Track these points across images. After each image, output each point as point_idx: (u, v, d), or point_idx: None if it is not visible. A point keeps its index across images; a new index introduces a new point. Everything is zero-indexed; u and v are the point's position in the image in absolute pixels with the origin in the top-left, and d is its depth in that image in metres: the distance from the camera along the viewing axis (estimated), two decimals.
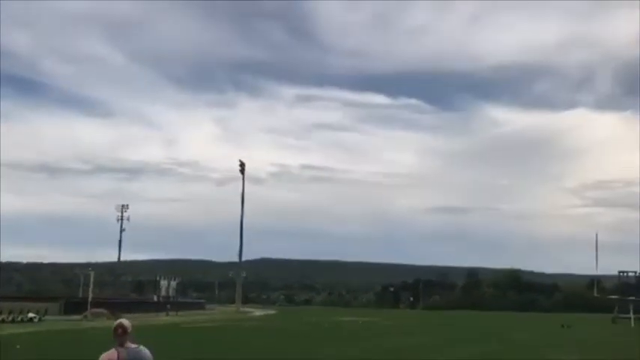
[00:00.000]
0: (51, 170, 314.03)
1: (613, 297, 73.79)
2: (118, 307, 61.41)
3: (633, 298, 64.21)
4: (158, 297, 77.95)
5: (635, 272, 73.68)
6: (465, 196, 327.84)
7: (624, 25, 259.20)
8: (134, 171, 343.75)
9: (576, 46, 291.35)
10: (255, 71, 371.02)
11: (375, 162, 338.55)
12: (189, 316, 69.30)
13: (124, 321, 5.76)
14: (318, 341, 31.06)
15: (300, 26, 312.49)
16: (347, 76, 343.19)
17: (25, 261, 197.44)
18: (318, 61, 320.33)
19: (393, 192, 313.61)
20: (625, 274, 74.40)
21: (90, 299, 61.41)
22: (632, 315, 59.13)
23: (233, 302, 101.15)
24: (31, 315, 48.60)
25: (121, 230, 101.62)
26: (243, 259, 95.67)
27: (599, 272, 72.53)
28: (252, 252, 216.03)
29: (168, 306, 73.28)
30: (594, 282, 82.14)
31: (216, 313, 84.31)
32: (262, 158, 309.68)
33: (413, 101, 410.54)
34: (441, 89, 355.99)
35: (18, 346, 23.51)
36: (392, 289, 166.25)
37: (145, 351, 5.73)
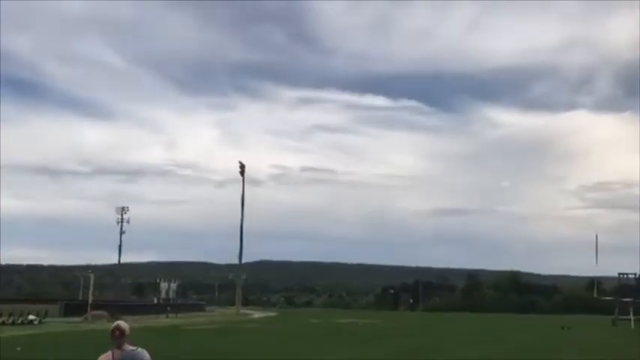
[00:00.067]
0: (51, 172, 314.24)
1: (613, 298, 73.82)
2: (118, 310, 61.41)
3: (633, 299, 64.19)
4: (158, 299, 77.95)
5: (635, 274, 73.79)
6: (465, 197, 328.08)
7: (624, 26, 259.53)
8: (134, 173, 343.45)
9: (576, 48, 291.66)
10: (255, 73, 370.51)
11: (375, 164, 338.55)
12: (189, 318, 69.30)
13: (122, 323, 5.69)
14: (319, 343, 31.09)
15: (301, 28, 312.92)
16: (347, 78, 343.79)
17: (25, 263, 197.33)
18: (318, 63, 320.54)
19: (393, 194, 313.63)
20: (625, 275, 74.49)
21: (90, 301, 61.46)
22: (632, 317, 59.12)
23: (233, 304, 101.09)
24: (31, 317, 48.59)
25: (121, 232, 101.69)
26: (244, 261, 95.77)
27: (599, 274, 72.64)
28: (253, 254, 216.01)
29: (169, 308, 73.28)
30: (594, 283, 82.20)
31: (216, 315, 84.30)
32: (262, 160, 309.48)
33: (413, 103, 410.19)
34: (441, 91, 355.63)
35: (18, 349, 23.55)
36: (392, 291, 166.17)
37: (143, 353, 5.65)
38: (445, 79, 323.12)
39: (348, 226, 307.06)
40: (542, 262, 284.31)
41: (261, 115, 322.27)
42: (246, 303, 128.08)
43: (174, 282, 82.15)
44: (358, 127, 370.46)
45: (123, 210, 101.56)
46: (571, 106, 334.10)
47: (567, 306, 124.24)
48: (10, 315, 47.32)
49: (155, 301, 79.10)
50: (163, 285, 78.25)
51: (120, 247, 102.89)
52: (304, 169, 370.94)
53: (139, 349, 5.66)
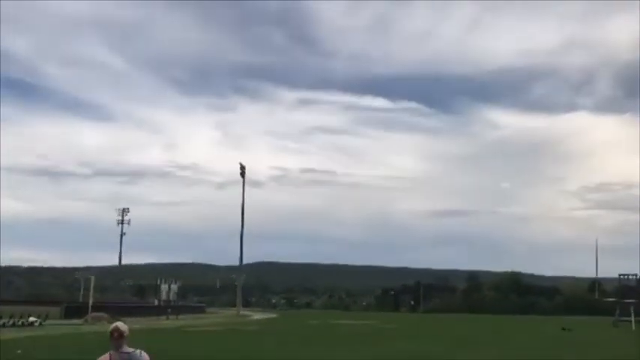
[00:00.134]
0: (51, 174, 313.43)
1: (614, 300, 73.77)
2: (118, 311, 61.43)
3: (634, 300, 64.14)
4: (159, 301, 77.99)
5: (636, 275, 73.78)
6: (465, 199, 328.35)
7: (623, 27, 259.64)
8: (135, 174, 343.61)
9: (576, 49, 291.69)
10: (255, 75, 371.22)
11: (375, 165, 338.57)
12: (189, 319, 69.30)
13: (121, 324, 5.59)
14: (319, 344, 31.07)
15: (301, 30, 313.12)
16: (347, 80, 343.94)
17: (25, 265, 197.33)
18: (318, 64, 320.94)
19: (393, 195, 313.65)
20: (625, 276, 74.46)
21: (91, 303, 61.49)
22: (633, 318, 59.05)
23: (233, 306, 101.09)
24: (32, 319, 48.60)
25: (122, 234, 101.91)
26: (244, 262, 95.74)
27: (600, 275, 72.58)
28: (253, 255, 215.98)
29: (169, 310, 73.27)
30: (595, 285, 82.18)
31: (216, 316, 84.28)
32: (263, 162, 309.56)
33: (413, 104, 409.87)
34: (441, 92, 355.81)
35: (19, 351, 23.53)
36: (392, 292, 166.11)
37: (142, 355, 5.56)
38: (445, 80, 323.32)
39: (349, 227, 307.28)
40: (542, 263, 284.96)
41: (261, 116, 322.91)
42: (246, 304, 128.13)
43: (175, 284, 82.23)
44: (358, 129, 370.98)
45: (123, 211, 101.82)
46: (571, 107, 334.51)
47: (568, 307, 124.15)
48: (10, 317, 47.30)
49: (156, 302, 79.20)
50: (164, 287, 78.33)
51: (120, 248, 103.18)
52: (304, 170, 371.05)
53: (138, 351, 5.58)
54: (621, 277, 74.74)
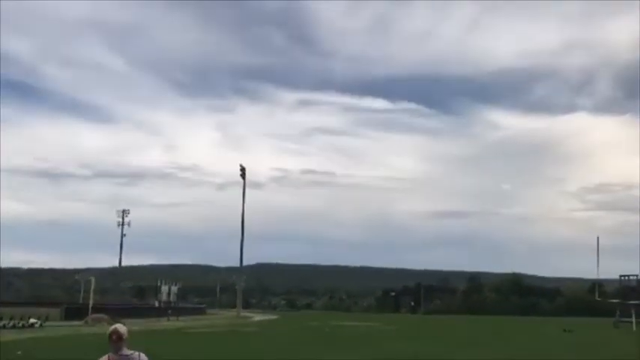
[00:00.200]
0: (51, 175, 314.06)
1: (615, 301, 73.64)
2: (118, 313, 61.35)
3: (635, 302, 63.98)
4: (159, 302, 77.87)
5: (637, 276, 73.56)
6: (465, 200, 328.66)
7: (623, 28, 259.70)
8: (135, 176, 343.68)
9: (576, 50, 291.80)
10: (255, 76, 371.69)
11: (376, 166, 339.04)
12: (189, 321, 69.22)
13: (120, 327, 5.50)
14: (319, 346, 31.01)
15: (300, 31, 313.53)
16: (347, 81, 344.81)
17: (25, 266, 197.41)
18: (318, 65, 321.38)
19: (394, 196, 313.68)
20: (626, 277, 74.27)
21: (91, 305, 61.45)
22: (634, 319, 58.93)
23: (234, 307, 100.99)
24: (32, 321, 48.58)
25: (122, 235, 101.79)
26: (244, 263, 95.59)
27: (601, 276, 72.28)
28: (253, 257, 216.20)
29: (169, 311, 73.19)
30: (596, 286, 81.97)
31: (216, 318, 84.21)
32: (263, 163, 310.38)
33: (413, 105, 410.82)
34: (441, 93, 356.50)
35: (19, 352, 23.47)
36: (393, 293, 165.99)
37: (141, 357, 5.47)
38: (445, 81, 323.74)
39: (349, 228, 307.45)
40: (543, 264, 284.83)
41: (261, 117, 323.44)
42: (246, 306, 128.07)
43: (175, 285, 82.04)
44: (358, 130, 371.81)
45: (123, 213, 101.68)
46: (571, 108, 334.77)
47: (569, 308, 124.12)
48: (11, 318, 47.29)
49: (156, 304, 79.06)
50: (164, 288, 78.17)
51: (121, 250, 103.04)
52: (304, 171, 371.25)
53: (137, 354, 5.49)
54: (622, 278, 74.58)
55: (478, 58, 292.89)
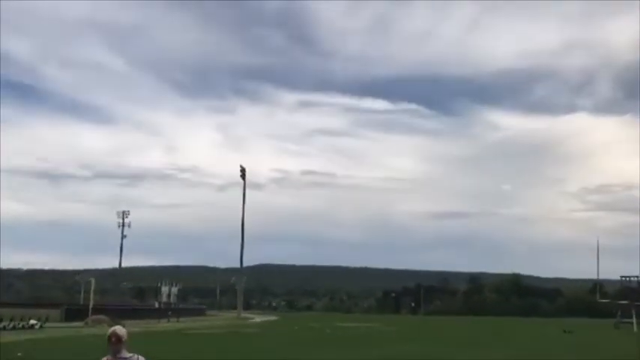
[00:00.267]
0: (51, 176, 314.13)
1: (615, 302, 73.58)
2: (118, 314, 61.28)
3: (636, 302, 63.91)
4: (159, 303, 77.75)
5: (637, 277, 73.46)
6: (465, 200, 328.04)
7: (623, 28, 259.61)
8: (135, 177, 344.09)
9: (576, 50, 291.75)
10: (255, 77, 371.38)
11: (376, 167, 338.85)
12: (189, 322, 69.17)
13: (119, 329, 5.41)
14: (321, 347, 30.97)
15: (301, 32, 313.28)
16: (347, 82, 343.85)
17: (25, 267, 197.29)
18: (318, 66, 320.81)
19: (394, 197, 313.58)
20: (627, 278, 74.17)
21: (91, 306, 61.38)
22: (634, 320, 58.89)
23: (234, 308, 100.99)
24: (32, 322, 48.53)
25: (122, 236, 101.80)
26: (244, 264, 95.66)
27: (601, 277, 72.25)
28: (253, 258, 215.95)
29: (170, 312, 73.12)
30: (596, 287, 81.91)
31: (217, 319, 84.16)
32: (263, 164, 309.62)
33: (413, 106, 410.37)
34: (441, 94, 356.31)
35: (19, 354, 23.42)
36: (393, 294, 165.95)
37: None
38: (445, 81, 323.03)
39: (349, 229, 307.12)
40: (543, 264, 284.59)
41: (262, 118, 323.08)
42: (247, 307, 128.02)
43: (175, 286, 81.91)
44: (358, 131, 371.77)
45: (124, 214, 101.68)
46: (571, 108, 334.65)
47: (570, 309, 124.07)
48: (11, 319, 47.24)
49: (156, 305, 78.92)
50: (164, 289, 78.00)
51: (121, 251, 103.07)
52: (305, 172, 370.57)
53: (136, 357, 5.41)
54: (623, 278, 74.50)
55: (478, 59, 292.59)
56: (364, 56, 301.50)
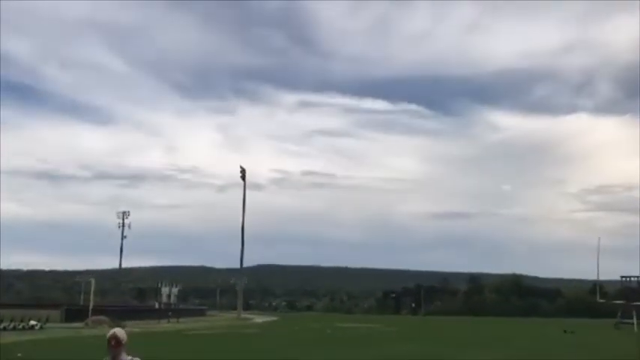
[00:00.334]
0: (52, 177, 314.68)
1: (616, 302, 73.51)
2: (119, 315, 61.28)
3: (634, 303, 63.88)
4: (159, 304, 77.72)
5: (638, 277, 73.43)
6: (466, 201, 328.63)
7: (623, 28, 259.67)
8: (135, 177, 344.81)
9: (576, 50, 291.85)
10: (255, 78, 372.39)
11: (376, 167, 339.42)
12: (190, 322, 69.16)
13: (119, 331, 5.35)
14: (322, 347, 30.96)
15: (301, 33, 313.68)
16: (347, 82, 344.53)
17: (25, 268, 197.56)
18: (318, 67, 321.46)
19: (394, 197, 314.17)
20: (627, 279, 74.13)
21: (91, 307, 61.35)
22: (635, 320, 58.84)
23: (234, 309, 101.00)
24: (32, 322, 48.48)
25: (122, 237, 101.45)
26: (244, 265, 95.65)
27: (601, 277, 72.17)
28: (253, 258, 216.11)
29: (170, 313, 73.09)
30: (596, 287, 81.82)
31: (217, 319, 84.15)
32: (263, 164, 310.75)
33: (413, 107, 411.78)
34: (441, 94, 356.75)
35: (19, 354, 23.41)
36: (393, 295, 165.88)
37: None
38: (445, 82, 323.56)
39: (349, 229, 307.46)
40: (543, 265, 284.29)
41: (262, 119, 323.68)
42: (247, 307, 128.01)
43: (176, 287, 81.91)
44: (358, 131, 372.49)
45: (124, 214, 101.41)
46: (572, 109, 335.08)
47: (570, 309, 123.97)
48: (11, 320, 47.22)
49: (156, 305, 78.90)
50: (164, 290, 78.01)
51: (121, 251, 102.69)
52: (305, 173, 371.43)
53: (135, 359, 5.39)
54: (623, 279, 74.45)
55: (478, 59, 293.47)
56: (364, 56, 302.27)
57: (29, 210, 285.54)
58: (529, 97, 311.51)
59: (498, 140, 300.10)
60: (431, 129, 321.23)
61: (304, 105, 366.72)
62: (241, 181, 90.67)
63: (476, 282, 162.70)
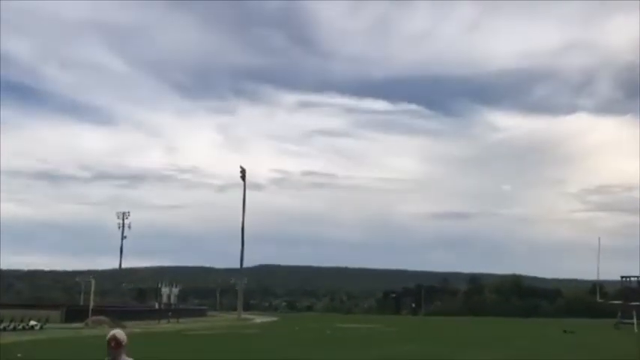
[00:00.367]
0: (51, 177, 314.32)
1: (616, 302, 73.53)
2: (119, 315, 61.29)
3: (636, 303, 63.90)
4: (159, 304, 77.72)
5: (638, 277, 73.47)
6: (466, 201, 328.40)
7: (624, 28, 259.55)
8: (135, 178, 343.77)
9: (576, 50, 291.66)
10: (255, 78, 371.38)
11: (376, 168, 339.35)
12: (190, 323, 69.16)
13: (119, 333, 5.29)
14: (322, 348, 30.97)
15: (301, 32, 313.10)
16: (347, 82, 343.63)
17: (25, 268, 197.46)
18: (318, 67, 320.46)
19: (394, 198, 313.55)
20: (627, 279, 74.18)
21: (91, 307, 61.34)
22: (635, 320, 58.84)
23: (234, 309, 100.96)
24: (32, 323, 48.48)
25: (122, 237, 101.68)
26: (245, 265, 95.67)
27: (601, 277, 72.21)
28: (253, 258, 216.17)
29: (170, 313, 73.09)
30: (596, 287, 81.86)
31: (217, 320, 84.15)
32: (263, 164, 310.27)
33: (413, 107, 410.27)
34: (441, 94, 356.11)
35: (19, 355, 23.42)
36: (393, 295, 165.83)
37: None
38: (445, 82, 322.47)
39: (350, 230, 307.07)
40: (543, 265, 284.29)
41: (262, 119, 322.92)
42: (247, 308, 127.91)
43: (176, 287, 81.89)
44: (358, 131, 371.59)
45: (124, 215, 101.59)
46: (572, 109, 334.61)
47: (570, 310, 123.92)
48: (11, 320, 47.21)
49: (156, 306, 78.91)
50: (164, 290, 78.00)
51: (121, 252, 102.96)
52: (305, 173, 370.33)
53: None
54: (623, 279, 74.48)
55: (478, 59, 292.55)
56: (364, 56, 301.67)
57: (29, 210, 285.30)
58: (529, 97, 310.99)
59: (498, 140, 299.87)
60: (431, 129, 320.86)
61: (304, 105, 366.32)
62: (241, 181, 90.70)
63: (476, 282, 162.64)
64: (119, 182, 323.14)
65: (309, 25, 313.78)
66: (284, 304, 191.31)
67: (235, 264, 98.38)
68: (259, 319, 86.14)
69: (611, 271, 77.01)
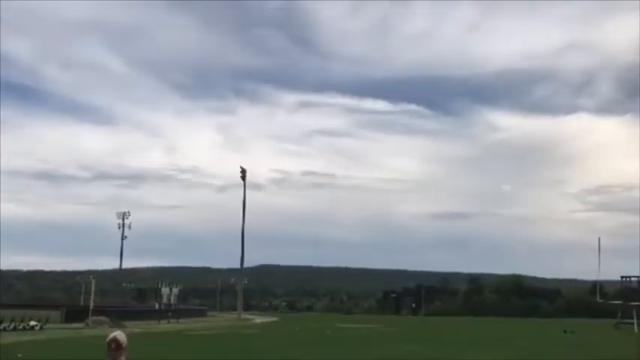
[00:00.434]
0: (51, 177, 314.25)
1: (616, 302, 73.55)
2: (119, 315, 61.28)
3: (636, 303, 63.91)
4: (159, 304, 77.70)
5: (638, 277, 73.51)
6: (466, 201, 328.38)
7: (624, 28, 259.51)
8: (135, 178, 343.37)
9: (576, 51, 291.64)
10: (255, 78, 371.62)
11: (376, 168, 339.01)
12: (190, 323, 69.16)
13: (119, 335, 5.23)
14: (322, 348, 30.98)
15: (301, 33, 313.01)
16: (347, 82, 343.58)
17: (25, 269, 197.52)
18: (318, 67, 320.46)
19: (394, 198, 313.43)
20: (627, 279, 74.21)
21: (91, 307, 61.33)
22: (635, 320, 58.86)
23: (234, 309, 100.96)
24: (32, 323, 48.47)
25: (122, 237, 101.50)
26: (245, 265, 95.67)
27: (601, 277, 72.23)
28: (254, 258, 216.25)
29: (170, 313, 73.08)
30: (596, 287, 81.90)
31: (217, 320, 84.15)
32: (263, 164, 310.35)
33: (413, 107, 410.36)
34: (441, 95, 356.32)
35: (20, 355, 23.43)
36: (393, 295, 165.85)
37: None
38: (445, 82, 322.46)
39: (350, 230, 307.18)
40: (544, 265, 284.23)
41: (262, 119, 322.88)
42: (247, 308, 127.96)
43: (176, 287, 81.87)
44: (358, 131, 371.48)
45: (124, 215, 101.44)
46: (572, 109, 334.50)
47: (570, 310, 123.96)
48: (11, 321, 47.22)
49: (156, 306, 78.87)
50: (165, 290, 77.98)
51: (121, 252, 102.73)
52: (305, 173, 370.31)
53: None
54: (623, 279, 74.51)
55: (478, 59, 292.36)
56: (364, 57, 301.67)
57: (29, 210, 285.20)
58: (529, 98, 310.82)
59: (498, 140, 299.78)
60: (431, 129, 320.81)
61: (304, 105, 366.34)
62: (241, 182, 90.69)
63: (476, 282, 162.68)
64: (119, 182, 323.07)
65: (309, 25, 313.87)
66: (284, 304, 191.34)
67: (235, 264, 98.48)
68: (259, 320, 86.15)
69: (611, 271, 76.95)
